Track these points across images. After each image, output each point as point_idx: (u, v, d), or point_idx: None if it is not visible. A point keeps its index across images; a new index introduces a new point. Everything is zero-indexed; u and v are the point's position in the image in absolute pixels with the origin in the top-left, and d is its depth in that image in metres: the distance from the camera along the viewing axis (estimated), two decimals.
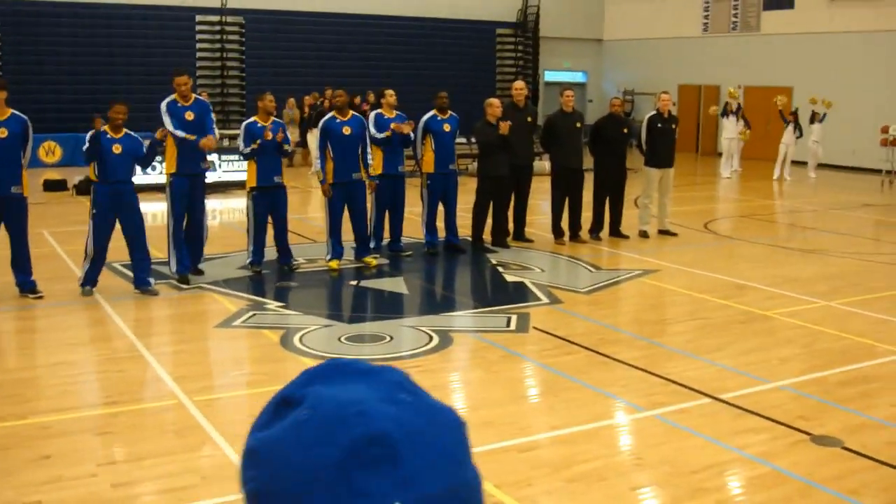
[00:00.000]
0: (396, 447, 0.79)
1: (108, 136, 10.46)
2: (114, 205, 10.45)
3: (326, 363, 0.90)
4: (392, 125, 12.58)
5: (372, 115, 13.04)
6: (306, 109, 23.35)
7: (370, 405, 0.81)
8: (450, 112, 13.17)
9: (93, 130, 10.42)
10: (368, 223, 12.52)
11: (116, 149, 10.42)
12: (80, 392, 7.73)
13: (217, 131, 11.81)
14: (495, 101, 13.70)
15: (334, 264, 12.00)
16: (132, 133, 10.68)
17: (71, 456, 6.37)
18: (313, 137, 21.72)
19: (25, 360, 8.75)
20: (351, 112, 12.27)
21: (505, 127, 13.16)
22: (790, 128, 23.82)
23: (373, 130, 12.52)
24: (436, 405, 0.87)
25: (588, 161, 14.47)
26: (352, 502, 0.77)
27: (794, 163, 25.08)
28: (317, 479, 0.78)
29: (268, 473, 0.82)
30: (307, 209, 17.60)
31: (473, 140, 13.78)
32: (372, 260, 12.29)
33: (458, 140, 14.01)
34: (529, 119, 14.22)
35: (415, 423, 0.82)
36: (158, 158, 11.78)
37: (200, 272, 11.45)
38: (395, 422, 0.81)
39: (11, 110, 10.24)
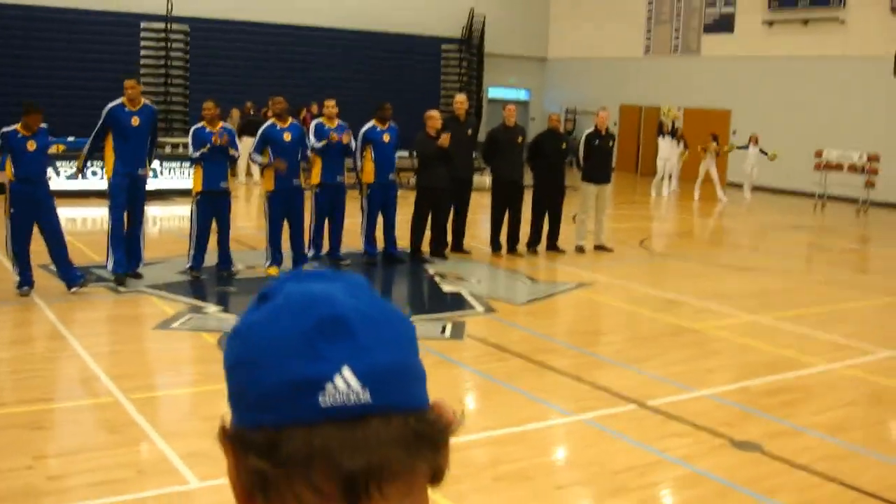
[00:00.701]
0: (352, 326, 0.94)
1: (19, 135, 10.40)
2: (29, 204, 10.39)
3: (299, 270, 1.06)
4: (330, 134, 12.71)
5: (313, 123, 13.17)
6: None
7: (334, 295, 0.97)
8: (390, 123, 13.31)
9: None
10: (307, 232, 12.62)
11: (30, 146, 10.37)
12: (14, 388, 7.76)
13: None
14: (435, 114, 13.88)
15: (273, 271, 12.08)
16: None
17: (6, 449, 6.41)
18: (244, 147, 21.82)
19: None
20: (290, 119, 12.38)
21: (445, 139, 13.33)
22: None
23: (312, 139, 12.65)
24: (391, 306, 1.03)
25: (527, 176, 14.69)
26: (312, 364, 0.92)
27: (731, 184, 25.59)
28: (286, 347, 0.93)
29: (247, 346, 0.96)
30: (246, 217, 17.65)
31: (415, 153, 13.94)
32: (274, 270, 12.24)
33: (401, 153, 14.15)
34: (470, 132, 14.43)
35: (371, 312, 0.98)
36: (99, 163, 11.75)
37: (139, 275, 11.48)
38: (354, 308, 0.96)
39: None
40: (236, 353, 0.98)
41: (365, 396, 0.92)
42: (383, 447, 0.93)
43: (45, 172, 10.68)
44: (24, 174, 10.35)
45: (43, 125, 10.54)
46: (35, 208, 10.39)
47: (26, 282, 10.51)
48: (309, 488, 0.92)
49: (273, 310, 0.97)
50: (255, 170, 23.38)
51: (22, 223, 10.41)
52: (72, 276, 10.69)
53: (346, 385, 0.92)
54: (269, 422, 0.92)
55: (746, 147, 24.41)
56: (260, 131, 12.31)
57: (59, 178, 15.87)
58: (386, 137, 13.24)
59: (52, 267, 10.81)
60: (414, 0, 30.72)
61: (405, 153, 16.52)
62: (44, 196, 10.51)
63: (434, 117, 13.72)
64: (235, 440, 0.96)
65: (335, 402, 0.91)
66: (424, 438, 0.96)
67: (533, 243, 14.83)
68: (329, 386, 0.92)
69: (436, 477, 0.99)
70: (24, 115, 10.37)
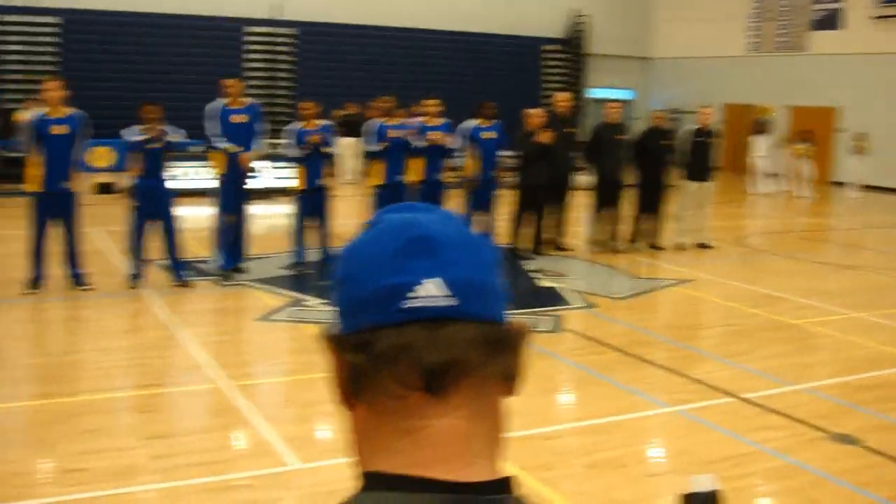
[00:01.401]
0: (437, 244, 1.09)
1: (142, 135, 10.86)
2: (150, 202, 10.84)
3: (398, 204, 1.20)
4: (428, 134, 12.86)
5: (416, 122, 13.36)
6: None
7: (423, 220, 1.12)
8: (493, 121, 13.43)
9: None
10: None
11: (156, 146, 10.85)
12: (126, 374, 8.08)
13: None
14: (535, 111, 13.94)
15: None
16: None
17: (114, 430, 6.71)
18: (343, 147, 22.19)
19: (73, 345, 9.12)
20: (399, 118, 12.65)
21: (545, 136, 13.39)
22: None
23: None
24: (478, 235, 1.17)
25: (629, 174, 14.66)
26: (400, 275, 1.07)
27: (837, 183, 25.09)
28: (380, 263, 1.08)
29: (349, 263, 1.12)
30: (348, 214, 17.91)
31: (515, 152, 14.02)
32: None
33: (503, 152, 14.22)
34: (570, 131, 14.45)
35: (456, 236, 1.12)
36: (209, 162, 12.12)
37: (243, 270, 11.80)
38: (441, 232, 1.11)
39: (71, 109, 10.71)
40: (341, 270, 1.13)
41: (445, 302, 1.06)
42: (460, 346, 1.06)
43: (164, 170, 11.08)
44: (146, 171, 10.82)
45: (163, 126, 10.97)
46: (155, 205, 10.82)
47: (138, 275, 10.90)
48: (396, 380, 1.06)
49: (373, 233, 1.13)
50: (356, 167, 23.80)
51: (142, 219, 10.85)
52: (178, 270, 11.05)
53: (430, 291, 1.06)
54: (364, 325, 1.07)
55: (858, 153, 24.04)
56: (371, 127, 12.57)
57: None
58: (489, 135, 13.35)
59: (164, 261, 11.17)
60: (515, 1, 30.80)
61: (506, 151, 16.60)
62: (164, 193, 10.93)
63: (535, 115, 13.78)
64: (336, 343, 1.12)
65: (418, 304, 1.05)
66: (497, 343, 1.09)
67: (633, 240, 14.80)
68: (415, 292, 1.06)
69: (508, 383, 1.12)
70: (143, 115, 10.81)
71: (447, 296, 1.07)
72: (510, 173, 14.04)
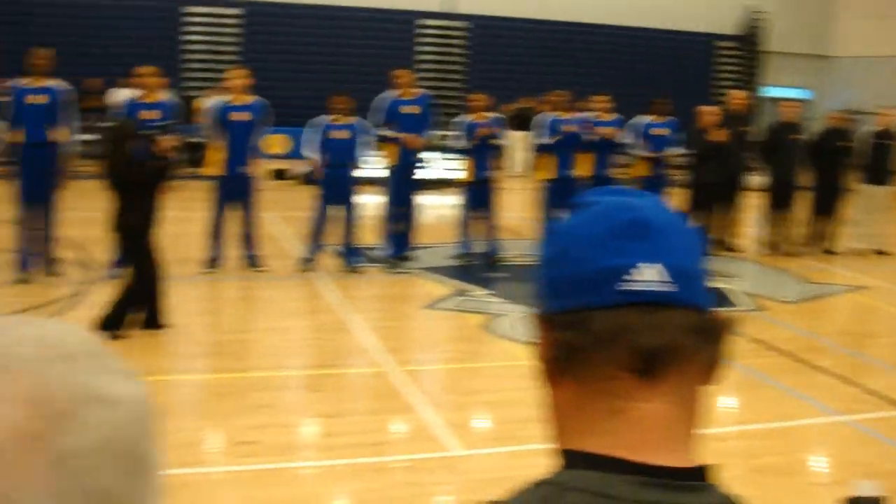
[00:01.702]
0: (654, 229, 1.12)
1: (333, 123, 11.20)
2: (335, 189, 11.16)
3: (612, 187, 1.23)
4: (599, 129, 12.77)
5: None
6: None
7: (640, 204, 1.15)
8: (667, 118, 13.28)
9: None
10: None
11: (341, 135, 11.15)
12: (298, 354, 8.35)
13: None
14: (709, 109, 13.71)
15: None
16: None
17: (283, 407, 6.95)
18: (514, 139, 22.23)
19: (247, 323, 9.46)
20: (571, 112, 12.63)
21: (720, 134, 13.15)
22: None
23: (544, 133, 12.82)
24: (687, 222, 1.19)
25: (805, 175, 14.25)
26: (619, 257, 1.09)
27: None
28: (593, 243, 1.11)
29: (563, 243, 1.15)
30: (515, 206, 17.96)
31: (687, 149, 13.80)
32: None
33: (673, 150, 14.01)
34: (744, 129, 14.15)
35: (671, 222, 1.15)
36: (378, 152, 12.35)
37: (410, 258, 11.99)
38: (657, 217, 1.14)
39: (253, 97, 11.11)
40: (551, 249, 1.17)
41: (664, 287, 1.09)
42: (676, 332, 1.08)
43: (354, 159, 11.36)
44: (333, 160, 11.15)
45: (353, 118, 11.26)
46: (340, 192, 11.12)
47: (311, 259, 11.21)
48: (610, 360, 1.08)
49: (587, 215, 1.15)
50: (525, 161, 23.81)
51: (326, 205, 11.18)
52: (352, 256, 11.32)
53: (647, 276, 1.08)
54: (579, 304, 1.10)
55: None
56: (544, 121, 12.59)
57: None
58: (661, 132, 13.20)
59: (336, 247, 11.46)
60: None
61: (677, 150, 16.37)
62: (348, 181, 11.22)
63: (709, 113, 13.56)
64: (548, 321, 1.15)
65: (636, 288, 1.08)
66: (708, 331, 1.11)
67: (807, 243, 14.38)
68: (632, 275, 1.08)
69: (711, 372, 1.13)
70: (332, 105, 11.16)
71: (663, 281, 1.09)
72: (681, 171, 13.85)
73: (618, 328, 1.07)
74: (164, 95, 11.06)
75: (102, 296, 8.55)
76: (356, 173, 11.50)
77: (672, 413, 1.09)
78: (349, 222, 11.28)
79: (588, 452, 1.09)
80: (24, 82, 10.37)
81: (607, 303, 1.08)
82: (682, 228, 1.15)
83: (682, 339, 1.08)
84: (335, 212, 11.24)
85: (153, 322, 8.32)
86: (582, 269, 1.10)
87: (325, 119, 11.32)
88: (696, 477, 1.09)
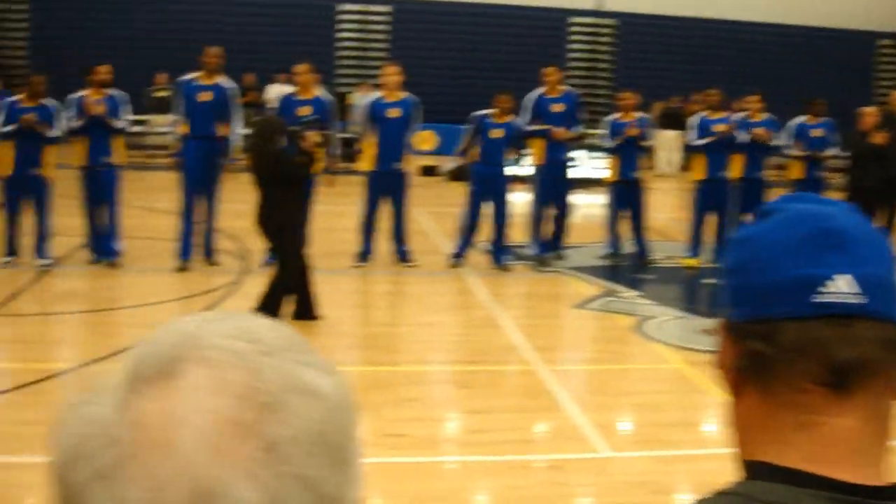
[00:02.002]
0: (849, 239, 1.08)
1: (492, 120, 11.26)
2: (488, 186, 11.22)
3: (798, 194, 1.20)
4: (752, 130, 12.43)
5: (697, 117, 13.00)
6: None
7: (833, 213, 1.11)
8: (823, 118, 12.90)
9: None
10: (728, 226, 12.49)
11: (497, 133, 11.20)
12: (445, 349, 8.42)
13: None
14: (869, 110, 13.25)
15: (692, 262, 12.10)
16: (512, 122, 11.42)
17: (435, 401, 7.03)
18: (663, 139, 22.01)
19: (397, 317, 9.60)
20: (722, 112, 12.39)
21: (881, 137, 12.69)
22: None
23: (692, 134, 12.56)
24: (877, 229, 1.15)
25: None
26: (812, 267, 1.06)
27: None
28: (788, 252, 1.08)
29: (748, 251, 1.12)
30: (664, 207, 17.73)
31: (845, 151, 13.37)
32: (693, 262, 12.15)
33: (829, 152, 13.60)
34: None
35: (863, 230, 1.11)
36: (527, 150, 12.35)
37: (561, 257, 11.96)
38: (850, 225, 1.10)
39: (405, 93, 11.26)
40: (738, 257, 1.13)
41: (858, 299, 1.05)
42: (870, 345, 1.04)
43: (504, 157, 11.42)
44: (486, 158, 11.28)
45: (510, 117, 11.33)
46: (492, 189, 11.19)
47: (460, 255, 11.29)
48: (801, 373, 1.05)
49: (776, 222, 1.11)
50: (674, 161, 23.49)
51: (477, 202, 11.27)
52: (501, 254, 11.35)
53: (841, 287, 1.05)
54: (768, 314, 1.07)
55: None
56: (699, 121, 12.37)
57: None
58: (817, 133, 12.83)
59: (486, 244, 11.52)
60: None
61: (834, 151, 15.91)
62: (500, 179, 11.28)
63: (869, 114, 13.10)
64: (734, 330, 1.12)
65: (830, 300, 1.04)
66: None
67: None
68: (826, 286, 1.05)
69: None
70: (497, 102, 11.32)
71: (857, 293, 1.05)
72: (838, 174, 13.45)
73: (809, 340, 1.04)
74: (318, 92, 11.27)
75: (257, 287, 8.77)
76: (508, 171, 11.53)
77: (863, 429, 1.06)
78: (500, 220, 11.31)
79: (774, 464, 1.06)
80: (194, 78, 10.78)
81: (799, 314, 1.05)
82: (874, 237, 1.11)
83: (876, 353, 1.04)
84: (486, 209, 11.29)
85: (303, 314, 8.46)
86: (773, 279, 1.07)
87: (483, 115, 11.39)
88: (888, 496, 1.05)
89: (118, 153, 10.80)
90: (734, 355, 1.11)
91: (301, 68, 11.12)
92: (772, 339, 1.06)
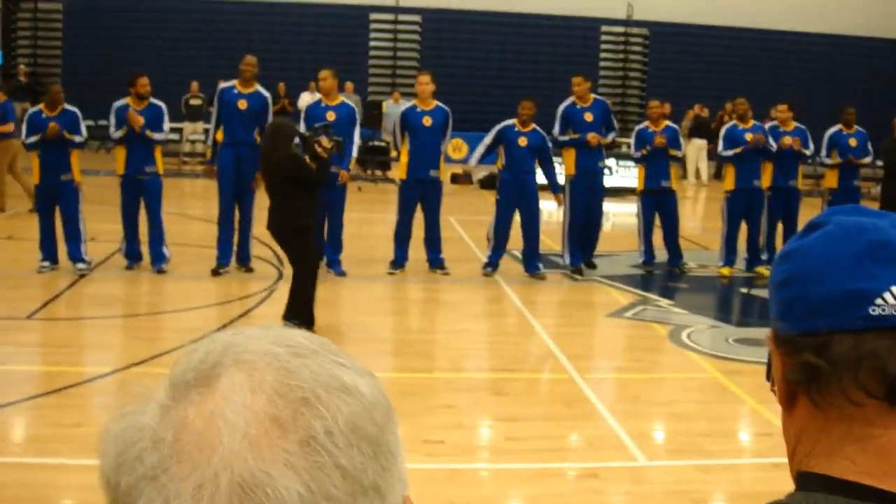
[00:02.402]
0: None
1: (516, 129, 11.27)
2: (516, 194, 11.23)
3: (845, 206, 1.20)
4: (782, 139, 12.35)
5: (724, 128, 12.92)
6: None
7: (882, 224, 1.10)
8: (856, 127, 12.83)
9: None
10: (761, 235, 12.43)
11: (522, 142, 11.21)
12: (479, 356, 8.43)
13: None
14: None
15: (726, 271, 12.06)
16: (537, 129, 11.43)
17: (471, 408, 7.02)
18: (693, 148, 22.00)
19: (433, 324, 9.63)
20: (752, 121, 12.34)
21: None
22: None
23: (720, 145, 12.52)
24: None
25: None
26: (864, 280, 1.06)
27: None
28: (839, 264, 1.08)
29: (800, 264, 1.12)
30: (694, 216, 17.70)
31: (880, 160, 13.31)
32: (764, 270, 12.13)
33: (864, 161, 13.53)
34: None
35: None
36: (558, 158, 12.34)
37: (594, 265, 11.94)
38: None
39: (437, 102, 11.29)
40: (788, 270, 1.13)
41: None
42: None
43: (533, 166, 11.44)
44: (513, 167, 11.29)
45: (533, 126, 11.35)
46: (518, 198, 11.20)
47: (493, 264, 11.30)
48: (856, 385, 1.04)
49: (825, 235, 1.11)
50: (704, 170, 23.42)
51: (506, 210, 11.29)
52: (533, 262, 11.34)
53: (894, 300, 1.05)
54: (821, 327, 1.07)
55: None
56: (730, 131, 12.32)
57: None
58: (851, 142, 12.76)
59: (518, 251, 11.53)
60: (879, 1, 29.07)
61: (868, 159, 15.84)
62: (529, 187, 11.31)
63: None
64: (786, 343, 1.12)
65: (884, 313, 1.04)
66: None
67: None
68: (880, 299, 1.05)
69: None
70: (519, 111, 11.34)
71: None
72: (872, 183, 13.39)
73: (865, 354, 1.04)
74: (343, 98, 11.35)
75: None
76: (538, 179, 11.53)
77: None
78: (531, 228, 11.32)
79: (831, 476, 1.06)
80: (231, 86, 10.89)
81: (853, 327, 1.05)
82: None
83: None
84: (517, 217, 11.30)
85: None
86: (825, 292, 1.07)
87: (506, 125, 11.40)
88: None
89: (159, 162, 10.92)
90: (787, 368, 1.11)
91: (324, 74, 11.19)
92: (825, 352, 1.06)
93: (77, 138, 10.61)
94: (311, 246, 8.54)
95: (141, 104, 10.70)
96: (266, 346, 0.80)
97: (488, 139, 11.53)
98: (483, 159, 12.16)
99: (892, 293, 1.05)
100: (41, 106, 10.72)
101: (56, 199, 10.53)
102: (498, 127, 11.50)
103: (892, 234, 1.09)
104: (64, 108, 10.64)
